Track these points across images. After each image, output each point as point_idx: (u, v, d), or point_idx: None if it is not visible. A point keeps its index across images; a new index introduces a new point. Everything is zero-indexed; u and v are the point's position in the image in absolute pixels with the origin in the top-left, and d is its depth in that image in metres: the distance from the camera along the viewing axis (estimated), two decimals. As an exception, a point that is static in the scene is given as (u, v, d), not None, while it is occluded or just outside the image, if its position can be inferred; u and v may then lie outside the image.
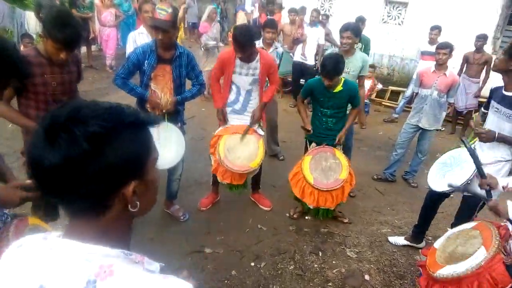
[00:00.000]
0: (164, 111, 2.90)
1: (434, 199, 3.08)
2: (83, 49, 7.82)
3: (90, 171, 0.64)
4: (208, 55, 6.43)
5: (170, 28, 2.74)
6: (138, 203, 0.73)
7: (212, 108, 3.44)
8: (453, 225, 2.82)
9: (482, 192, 2.25)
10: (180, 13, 5.46)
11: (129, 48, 3.74)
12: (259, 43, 4.41)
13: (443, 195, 2.94)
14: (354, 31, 3.85)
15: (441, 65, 4.12)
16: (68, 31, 2.11)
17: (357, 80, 3.90)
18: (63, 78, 2.40)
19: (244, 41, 2.99)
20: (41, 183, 0.67)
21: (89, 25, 7.58)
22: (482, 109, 2.96)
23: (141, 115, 0.73)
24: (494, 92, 2.70)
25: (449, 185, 2.53)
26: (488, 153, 2.60)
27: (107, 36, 7.69)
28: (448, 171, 2.76)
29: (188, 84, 3.14)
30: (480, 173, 2.20)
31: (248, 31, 3.06)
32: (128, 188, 0.70)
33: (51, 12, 2.18)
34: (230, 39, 8.55)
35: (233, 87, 3.34)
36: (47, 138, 0.64)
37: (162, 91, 2.92)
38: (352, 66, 3.87)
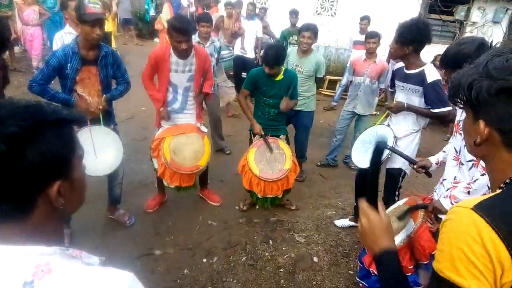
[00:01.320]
0: (99, 112, 2.76)
1: (363, 177, 3.31)
2: (5, 51, 7.18)
3: (11, 173, 0.63)
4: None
5: (104, 20, 2.63)
6: (63, 202, 0.71)
7: (153, 107, 3.32)
8: (383, 199, 3.08)
9: (409, 151, 2.68)
10: (114, 8, 5.17)
11: None
12: (195, 38, 4.35)
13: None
14: (315, 32, 3.94)
15: (371, 54, 4.38)
16: None
17: (314, 81, 4.11)
18: None
19: (185, 27, 2.83)
20: None
21: (10, 25, 6.95)
22: (389, 88, 3.36)
23: (64, 113, 0.72)
24: (396, 72, 3.01)
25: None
26: (400, 126, 2.91)
27: (31, 36, 7.11)
28: (369, 147, 3.04)
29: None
30: (410, 161, 2.43)
31: (184, 17, 2.98)
32: (52, 187, 0.69)
33: None
34: (159, 26, 8.28)
35: (169, 87, 3.17)
36: None
37: (89, 94, 2.74)
38: (306, 67, 4.00)
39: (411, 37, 2.67)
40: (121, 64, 2.94)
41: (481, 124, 0.88)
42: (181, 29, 2.84)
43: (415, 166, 2.40)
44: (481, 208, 0.79)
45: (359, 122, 4.61)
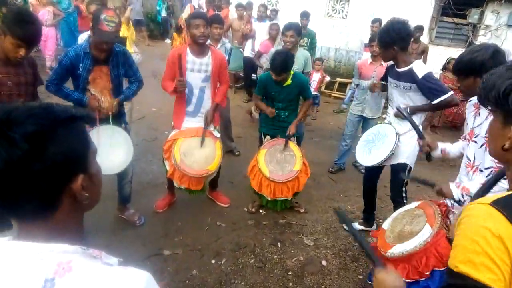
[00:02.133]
0: (109, 113, 2.79)
1: (370, 178, 3.32)
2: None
3: (36, 171, 0.65)
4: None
5: (116, 39, 2.66)
6: (87, 195, 0.74)
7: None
8: (390, 197, 3.11)
9: (410, 146, 2.81)
10: (127, 13, 5.16)
11: None
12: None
13: (375, 171, 3.21)
14: (297, 30, 4.04)
15: (375, 57, 4.31)
16: (29, 27, 2.14)
17: None
18: (19, 79, 2.33)
19: (203, 13, 3.11)
20: None
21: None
22: (382, 81, 3.46)
23: (74, 111, 0.74)
24: (389, 69, 3.05)
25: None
26: (401, 123, 2.94)
27: (46, 36, 7.19)
28: (372, 146, 3.06)
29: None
30: (418, 134, 2.41)
31: (199, 11, 3.13)
32: (76, 182, 0.71)
33: (12, 9, 2.18)
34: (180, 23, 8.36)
35: None
36: None
37: (101, 93, 2.78)
38: (296, 64, 3.98)
39: (391, 40, 2.74)
40: (132, 63, 2.98)
41: None
42: (199, 15, 3.07)
43: (422, 143, 2.36)
44: (500, 204, 0.78)
45: (367, 125, 4.55)
